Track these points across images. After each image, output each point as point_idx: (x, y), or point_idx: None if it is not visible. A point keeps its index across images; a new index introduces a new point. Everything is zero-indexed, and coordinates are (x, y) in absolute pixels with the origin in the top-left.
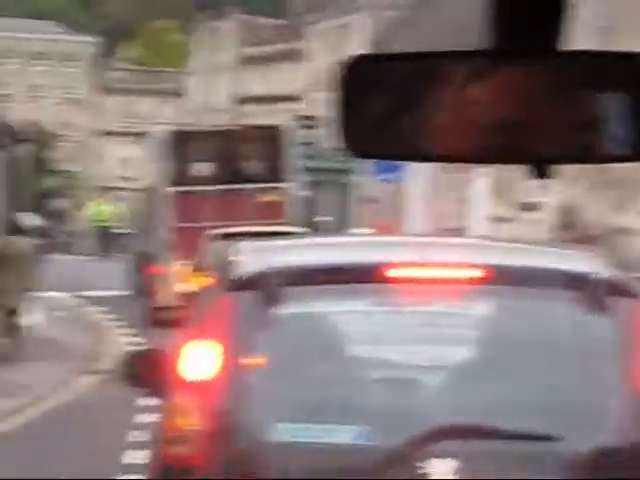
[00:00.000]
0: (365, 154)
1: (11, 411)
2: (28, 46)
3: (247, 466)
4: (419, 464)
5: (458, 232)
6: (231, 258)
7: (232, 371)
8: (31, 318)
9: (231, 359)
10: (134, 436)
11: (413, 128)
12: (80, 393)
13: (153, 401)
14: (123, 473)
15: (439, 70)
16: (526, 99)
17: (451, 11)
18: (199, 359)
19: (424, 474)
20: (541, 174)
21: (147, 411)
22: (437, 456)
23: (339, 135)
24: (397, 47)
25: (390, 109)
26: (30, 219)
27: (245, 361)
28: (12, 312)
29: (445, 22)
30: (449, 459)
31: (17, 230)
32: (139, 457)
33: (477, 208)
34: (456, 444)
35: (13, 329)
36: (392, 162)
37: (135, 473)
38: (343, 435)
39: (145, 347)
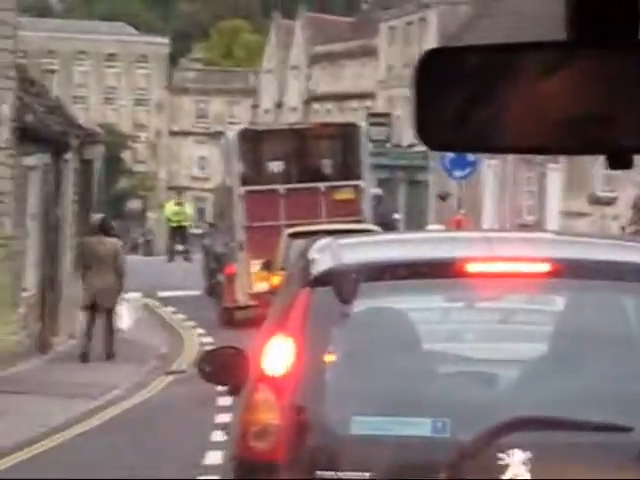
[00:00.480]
0: (441, 147)
1: (91, 412)
2: (100, 48)
3: (326, 459)
4: (494, 456)
5: (533, 227)
6: (308, 255)
7: (310, 366)
8: (122, 320)
9: (308, 354)
10: (216, 436)
11: (489, 120)
12: (159, 394)
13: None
14: (204, 474)
15: (515, 62)
16: (603, 90)
17: (526, 1)
18: (277, 355)
19: (499, 466)
20: (618, 165)
21: (228, 411)
22: (512, 448)
23: (415, 129)
24: (471, 40)
25: (466, 102)
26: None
27: (322, 356)
28: (109, 313)
29: (520, 12)
30: (524, 451)
31: (105, 230)
32: (221, 457)
33: (551, 202)
34: (530, 436)
35: (108, 330)
36: (466, 158)
37: (217, 474)
38: (419, 428)
39: (219, 346)
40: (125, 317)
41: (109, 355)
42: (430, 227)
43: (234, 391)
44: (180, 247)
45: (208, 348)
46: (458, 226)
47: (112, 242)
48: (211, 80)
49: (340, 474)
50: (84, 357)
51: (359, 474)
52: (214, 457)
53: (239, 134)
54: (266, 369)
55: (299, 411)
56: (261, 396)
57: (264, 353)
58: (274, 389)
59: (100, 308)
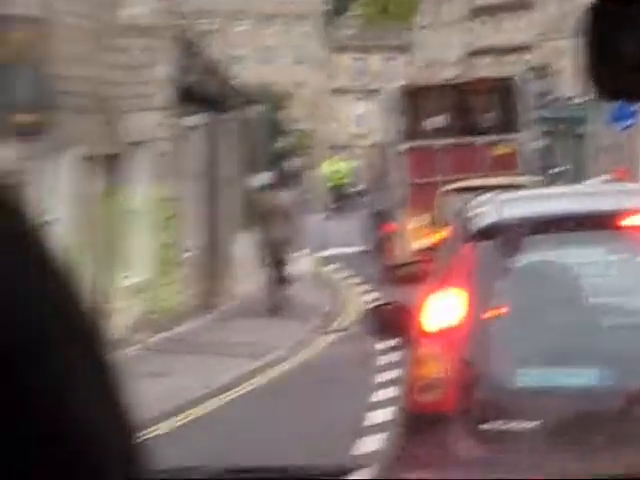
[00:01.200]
0: (617, 96)
1: (253, 372)
2: (259, 7)
3: (493, 411)
4: None
5: None
6: (470, 210)
7: (475, 319)
8: (301, 267)
9: (474, 308)
10: (377, 396)
11: None
12: (321, 353)
13: (393, 358)
14: (365, 435)
15: None
16: None
17: None
18: (443, 309)
19: None
20: None
21: (388, 369)
22: None
23: (588, 79)
24: None
25: (639, 49)
26: (265, 178)
27: (487, 310)
28: (281, 264)
29: None
30: None
31: (278, 185)
32: (382, 417)
33: None
34: None
35: (280, 282)
36: (628, 109)
37: (377, 434)
38: (585, 377)
39: (384, 302)
40: (302, 266)
41: (276, 309)
42: (592, 180)
43: (400, 346)
44: (338, 205)
45: (371, 305)
46: (621, 178)
47: (286, 196)
48: (369, 37)
49: (507, 422)
50: (272, 311)
51: (525, 423)
52: (375, 417)
53: (400, 90)
54: (431, 324)
55: (465, 364)
56: (427, 350)
57: (429, 308)
58: (440, 343)
59: (274, 261)
